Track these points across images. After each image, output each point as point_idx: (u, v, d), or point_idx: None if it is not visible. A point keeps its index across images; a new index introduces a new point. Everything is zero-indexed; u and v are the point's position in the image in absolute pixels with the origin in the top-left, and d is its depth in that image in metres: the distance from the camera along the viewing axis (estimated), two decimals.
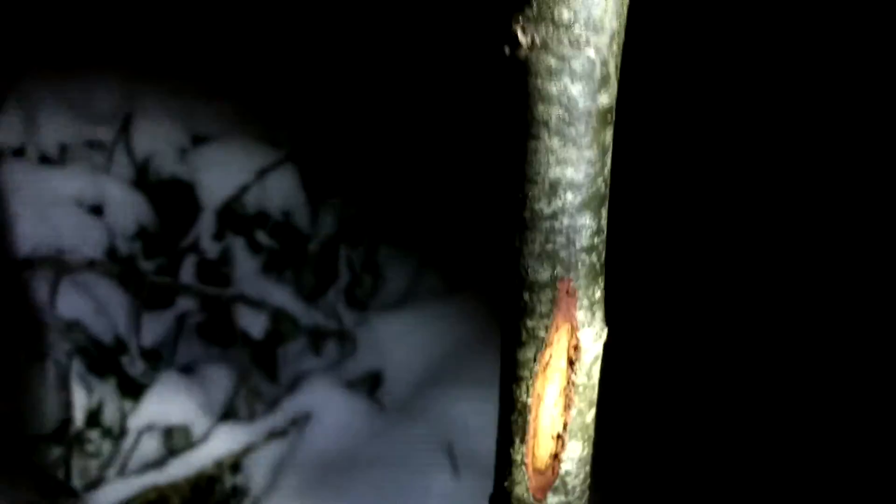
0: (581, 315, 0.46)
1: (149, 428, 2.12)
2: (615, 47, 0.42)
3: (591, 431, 0.47)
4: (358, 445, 2.17)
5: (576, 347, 0.45)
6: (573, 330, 0.45)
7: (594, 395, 0.46)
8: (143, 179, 2.33)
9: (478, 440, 2.13)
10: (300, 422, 2.20)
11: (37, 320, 1.99)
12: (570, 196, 0.43)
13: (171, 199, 2.33)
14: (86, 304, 2.07)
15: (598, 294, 0.46)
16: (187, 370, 2.23)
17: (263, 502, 2.11)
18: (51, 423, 1.96)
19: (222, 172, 2.37)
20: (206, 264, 2.30)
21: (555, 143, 0.42)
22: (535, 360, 0.44)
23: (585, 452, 0.47)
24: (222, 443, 2.13)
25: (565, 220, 0.43)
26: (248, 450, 2.14)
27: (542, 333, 0.44)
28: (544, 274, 0.44)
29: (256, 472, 2.15)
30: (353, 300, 2.52)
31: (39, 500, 1.93)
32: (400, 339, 2.42)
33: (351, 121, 2.46)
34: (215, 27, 2.40)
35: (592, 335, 0.46)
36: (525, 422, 0.44)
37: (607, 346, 0.47)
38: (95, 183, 2.26)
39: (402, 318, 2.48)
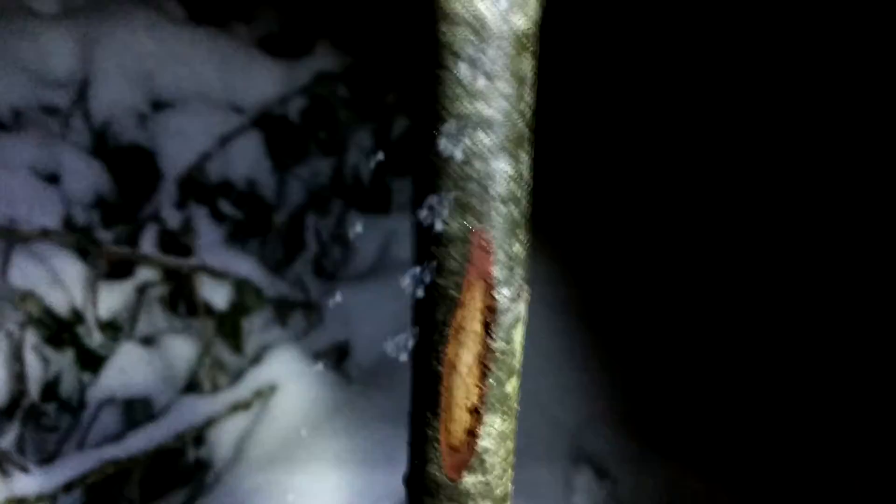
0: (497, 271, 0.40)
1: (108, 401, 2.07)
2: None
3: (513, 403, 0.42)
4: (324, 418, 2.14)
5: (491, 308, 0.40)
6: (488, 288, 0.40)
7: (515, 362, 0.41)
8: (102, 146, 2.25)
9: None
10: (265, 394, 2.16)
11: None
12: (481, 136, 0.37)
13: (130, 166, 2.25)
14: (40, 275, 2.00)
15: (518, 249, 0.41)
16: (148, 341, 2.18)
17: (227, 475, 2.07)
18: (3, 396, 1.90)
19: (184, 139, 2.29)
20: (168, 234, 2.24)
21: (463, 71, 0.36)
22: (445, 322, 0.39)
23: (506, 427, 0.42)
24: (184, 415, 2.09)
25: (477, 164, 0.38)
26: (211, 422, 2.10)
27: (452, 292, 0.39)
28: (454, 225, 0.39)
29: (220, 445, 2.11)
30: (321, 271, 2.47)
31: None
32: (368, 311, 2.37)
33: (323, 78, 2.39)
34: None
35: (510, 294, 0.41)
36: (436, 393, 0.40)
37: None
38: (51, 150, 2.18)
39: (370, 289, 2.43)
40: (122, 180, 2.22)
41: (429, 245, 0.39)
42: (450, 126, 0.37)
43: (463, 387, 0.40)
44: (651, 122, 2.28)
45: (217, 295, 2.24)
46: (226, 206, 2.31)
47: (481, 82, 0.36)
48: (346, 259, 2.55)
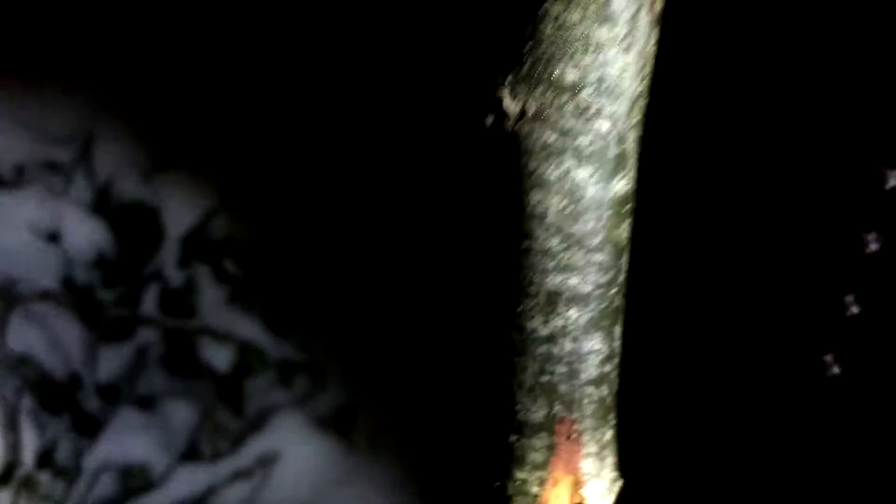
0: (587, 465, 0.35)
1: (105, 468, 2.02)
2: (636, 116, 0.32)
3: None
4: (328, 486, 2.08)
5: None
6: (577, 485, 0.35)
7: None
8: (104, 204, 2.22)
9: (455, 481, 2.04)
10: (266, 462, 2.11)
11: None
12: (573, 313, 0.32)
13: (133, 225, 2.22)
14: (38, 337, 1.97)
15: (609, 435, 0.36)
16: (147, 406, 2.13)
17: None
18: None
19: (188, 198, 2.27)
20: (170, 294, 2.20)
21: (554, 243, 0.31)
22: None
23: None
24: (183, 484, 2.04)
25: (567, 345, 0.33)
26: (210, 492, 2.05)
27: (534, 489, 0.34)
28: (539, 413, 0.33)
29: None
30: (325, 332, 2.42)
31: None
32: (375, 373, 2.32)
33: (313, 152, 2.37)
34: (180, 43, 2.31)
35: (602, 489, 0.35)
36: None
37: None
38: (52, 207, 2.15)
39: (377, 351, 2.38)
40: (124, 239, 2.19)
41: (507, 435, 0.34)
42: (536, 303, 0.32)
43: None
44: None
45: (219, 356, 2.20)
46: (229, 266, 2.27)
47: (576, 255, 0.31)
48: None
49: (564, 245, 0.31)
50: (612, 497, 0.36)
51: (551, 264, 0.32)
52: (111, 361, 2.11)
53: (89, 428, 2.05)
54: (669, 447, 1.90)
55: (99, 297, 2.10)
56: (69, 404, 2.03)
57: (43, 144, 2.24)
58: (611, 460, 0.37)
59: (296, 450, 2.12)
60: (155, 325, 2.14)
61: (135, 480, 2.04)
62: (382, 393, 2.27)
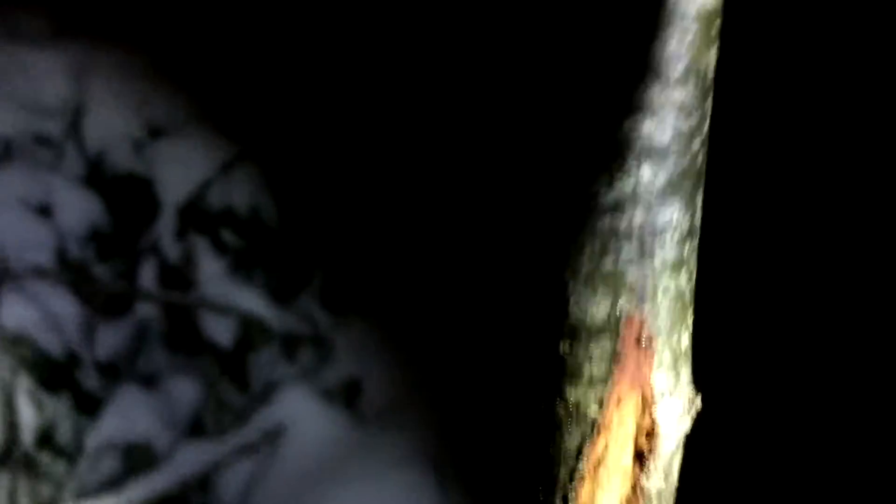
0: (660, 379, 0.27)
1: (108, 447, 1.98)
2: None
3: None
4: (336, 460, 2.03)
5: (649, 433, 0.27)
6: (646, 404, 0.27)
7: (672, 501, 0.28)
8: (97, 176, 2.16)
9: (465, 452, 2.00)
10: (273, 436, 2.06)
11: None
12: (647, 171, 0.24)
13: (127, 197, 2.16)
14: (33, 315, 1.91)
15: (686, 341, 0.28)
16: (149, 382, 2.08)
17: None
18: None
19: (183, 167, 2.20)
20: (168, 267, 2.14)
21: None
22: (579, 453, 0.27)
23: None
24: (188, 461, 2.01)
25: (638, 215, 0.25)
26: (216, 467, 2.01)
27: (592, 411, 0.26)
28: (599, 310, 0.25)
29: (226, 492, 2.02)
30: (330, 303, 2.37)
31: None
32: (381, 344, 2.28)
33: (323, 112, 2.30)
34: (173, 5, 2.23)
35: (678, 409, 0.27)
36: None
37: None
38: (43, 181, 2.10)
39: (384, 321, 2.33)
40: (118, 212, 2.13)
41: (557, 342, 0.26)
42: (597, 158, 0.24)
43: None
44: None
45: (221, 331, 2.15)
46: (228, 236, 2.21)
47: (651, 90, 0.23)
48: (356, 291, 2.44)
49: (636, 73, 0.23)
50: (690, 420, 0.29)
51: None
52: (110, 338, 2.06)
53: (90, 406, 2.00)
54: (750, 357, 1.78)
55: (94, 271, 2.04)
56: (68, 383, 1.98)
57: (31, 116, 2.18)
58: (686, 372, 0.28)
59: (302, 424, 2.07)
60: (154, 300, 2.08)
61: (138, 459, 2.00)
62: (389, 365, 2.22)
